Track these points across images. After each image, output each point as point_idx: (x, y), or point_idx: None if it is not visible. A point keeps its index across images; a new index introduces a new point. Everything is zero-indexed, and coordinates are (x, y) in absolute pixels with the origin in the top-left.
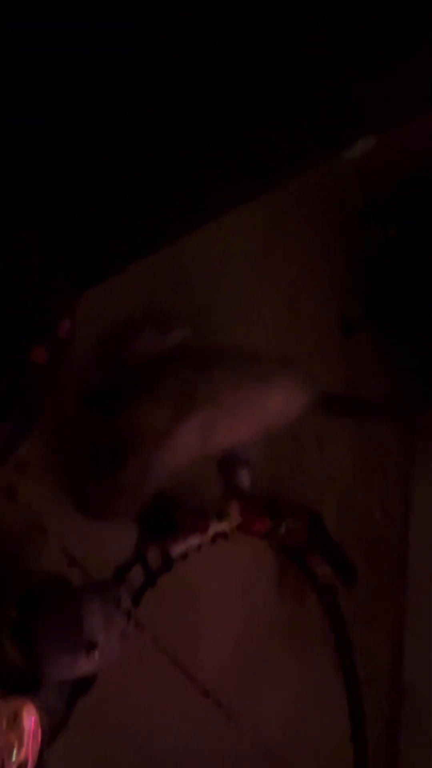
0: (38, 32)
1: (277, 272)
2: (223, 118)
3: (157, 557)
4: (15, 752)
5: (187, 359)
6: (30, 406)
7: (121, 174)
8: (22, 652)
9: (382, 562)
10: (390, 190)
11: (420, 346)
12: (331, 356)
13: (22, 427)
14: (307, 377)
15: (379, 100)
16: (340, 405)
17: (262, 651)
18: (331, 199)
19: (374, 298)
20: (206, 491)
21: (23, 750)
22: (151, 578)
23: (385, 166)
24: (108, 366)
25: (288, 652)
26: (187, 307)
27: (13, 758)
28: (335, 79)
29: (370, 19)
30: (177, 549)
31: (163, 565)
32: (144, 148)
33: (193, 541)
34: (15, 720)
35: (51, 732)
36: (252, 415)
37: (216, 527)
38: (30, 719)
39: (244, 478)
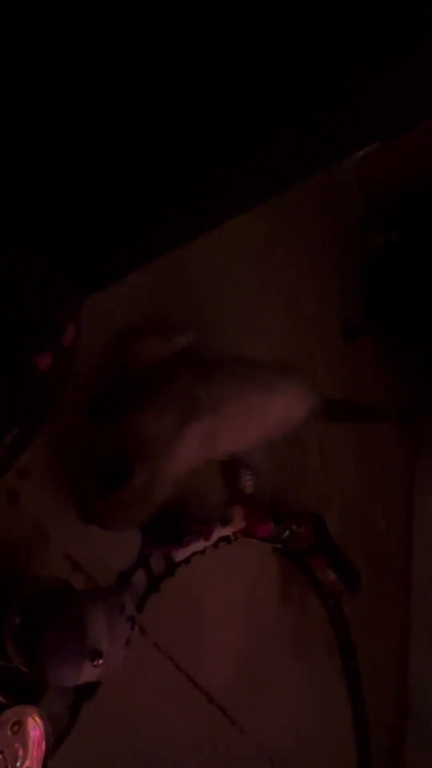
0: (38, 32)
1: (278, 277)
2: (223, 118)
3: (161, 562)
4: (19, 760)
5: (190, 366)
6: (34, 413)
7: (121, 174)
8: (26, 658)
9: (385, 570)
10: (392, 194)
11: (422, 350)
12: (332, 361)
13: (27, 433)
14: (308, 384)
15: (380, 102)
16: (340, 410)
17: (266, 656)
18: (333, 204)
19: (376, 303)
20: (210, 496)
21: (28, 758)
22: (155, 583)
23: (386, 170)
24: (111, 372)
25: (292, 658)
26: (189, 312)
27: (18, 766)
28: (335, 79)
29: (370, 19)
30: (180, 554)
31: (167, 570)
32: (144, 148)
33: (197, 546)
34: (19, 728)
35: (55, 739)
36: (254, 421)
37: (220, 532)
38: (34, 727)
39: (248, 483)
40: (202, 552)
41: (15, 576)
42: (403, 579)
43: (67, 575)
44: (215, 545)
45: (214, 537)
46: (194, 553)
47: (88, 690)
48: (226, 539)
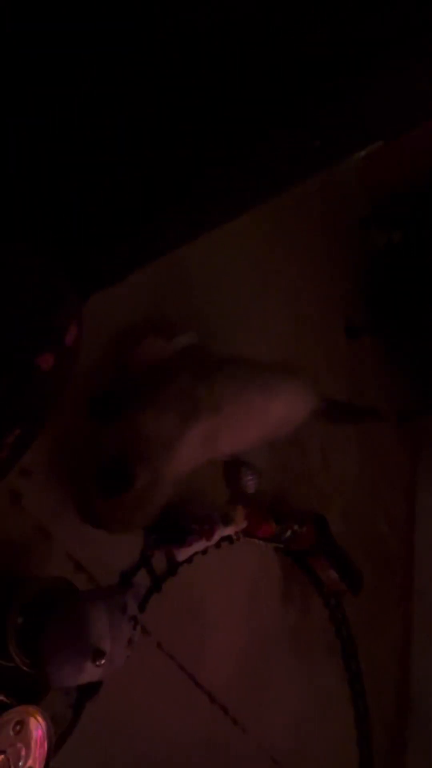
0: (38, 32)
1: (279, 277)
2: (223, 118)
3: (163, 562)
4: (22, 760)
5: (190, 366)
6: (36, 413)
7: (121, 174)
8: (28, 658)
9: (387, 571)
10: (393, 194)
11: (423, 350)
12: (334, 361)
13: (29, 433)
14: (309, 384)
15: (380, 102)
16: (340, 411)
17: (268, 656)
18: (334, 204)
19: (377, 303)
20: (212, 496)
21: (30, 758)
22: (157, 583)
23: (387, 170)
24: (111, 372)
25: (293, 658)
26: (190, 312)
27: (20, 766)
28: (335, 79)
29: (370, 19)
30: (183, 554)
31: (169, 570)
32: (144, 148)
33: (199, 545)
34: (22, 727)
35: (57, 739)
36: (255, 422)
37: (222, 532)
38: (37, 727)
39: (250, 482)
40: (204, 552)
41: (17, 576)
42: (404, 579)
43: (69, 575)
44: (217, 545)
45: (216, 537)
46: (196, 553)
47: (90, 690)
48: (228, 539)
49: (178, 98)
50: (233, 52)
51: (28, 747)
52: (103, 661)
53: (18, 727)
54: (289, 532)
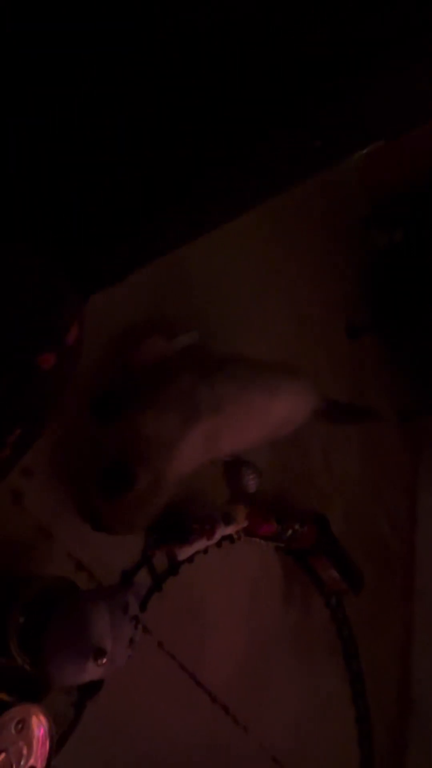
0: (38, 32)
1: (280, 277)
2: (223, 118)
3: (163, 561)
4: (24, 759)
5: (191, 366)
6: (38, 413)
7: (121, 174)
8: (30, 657)
9: (388, 570)
10: (394, 193)
11: (425, 350)
12: (335, 361)
13: (30, 433)
14: (311, 384)
15: (380, 102)
16: (339, 411)
17: (269, 655)
18: (335, 203)
19: (379, 302)
20: (213, 495)
21: (32, 757)
22: (158, 582)
23: (388, 169)
24: (113, 372)
25: (294, 657)
26: (191, 312)
27: (22, 765)
28: (335, 79)
29: (370, 19)
30: (184, 553)
31: (170, 569)
32: (144, 148)
33: (200, 544)
34: (23, 726)
35: (59, 738)
36: (256, 421)
37: (223, 531)
38: (39, 726)
39: (251, 482)
40: (205, 551)
41: (18, 575)
42: (405, 579)
43: (70, 574)
44: (218, 544)
45: (218, 536)
46: (197, 552)
47: (91, 689)
48: (229, 538)
49: (178, 98)
50: (233, 52)
51: (29, 746)
52: (104, 661)
53: (20, 726)
54: (290, 532)
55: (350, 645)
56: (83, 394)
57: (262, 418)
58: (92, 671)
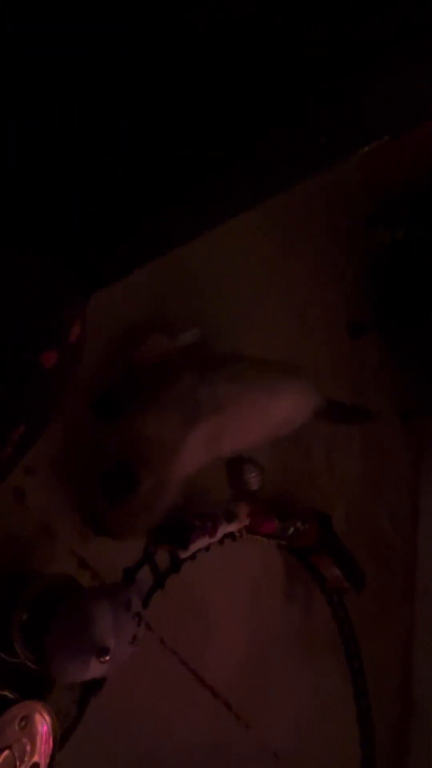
0: (38, 32)
1: (282, 275)
2: (223, 118)
3: (166, 558)
4: (27, 755)
5: (193, 365)
6: (40, 411)
7: (121, 174)
8: (33, 654)
9: (390, 570)
10: (396, 192)
11: (428, 349)
12: (337, 360)
13: (33, 431)
14: (312, 383)
15: (380, 102)
16: (337, 411)
17: (270, 653)
18: (337, 202)
19: (381, 301)
20: (215, 493)
21: (36, 753)
22: (160, 580)
23: (391, 168)
24: (115, 371)
25: (296, 655)
26: (193, 311)
27: (26, 761)
28: (335, 79)
29: (370, 19)
30: (186, 551)
31: (172, 567)
32: (144, 148)
33: (202, 542)
34: (27, 723)
35: (62, 734)
36: (258, 421)
37: (225, 529)
38: (42, 722)
39: (253, 479)
40: (207, 549)
41: (22, 573)
42: (407, 578)
43: (73, 572)
44: (220, 542)
45: (220, 534)
46: (199, 550)
47: (94, 686)
48: (231, 536)
49: (178, 98)
50: (233, 52)
51: (33, 742)
52: (107, 658)
53: (23, 723)
54: (292, 529)
55: (352, 643)
56: (86, 392)
57: (263, 418)
58: (95, 668)
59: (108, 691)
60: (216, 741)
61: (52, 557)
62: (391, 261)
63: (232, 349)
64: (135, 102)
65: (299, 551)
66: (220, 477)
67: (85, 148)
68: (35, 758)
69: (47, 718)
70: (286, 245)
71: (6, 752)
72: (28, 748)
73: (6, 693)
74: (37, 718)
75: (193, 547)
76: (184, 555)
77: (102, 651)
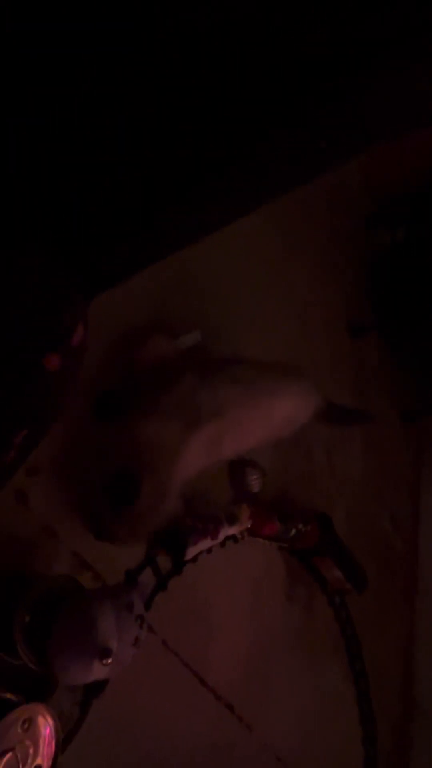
0: (38, 32)
1: (284, 276)
2: (223, 118)
3: (168, 561)
4: (30, 758)
5: (194, 367)
6: (43, 414)
7: (121, 174)
8: (36, 656)
9: (391, 570)
10: (397, 193)
11: (429, 349)
12: (338, 360)
13: (35, 434)
14: (312, 385)
15: (380, 102)
16: (337, 413)
17: (272, 654)
18: (338, 202)
19: (382, 301)
20: (216, 495)
21: (38, 755)
22: (162, 582)
23: (391, 169)
24: (117, 373)
25: (298, 657)
26: (194, 312)
27: (28, 764)
28: (335, 79)
29: (370, 19)
30: (188, 553)
31: (174, 569)
32: (144, 148)
33: (204, 544)
34: (30, 725)
35: (65, 737)
36: (259, 423)
37: (227, 531)
38: (45, 725)
39: (255, 482)
40: (209, 551)
41: (24, 574)
42: (408, 579)
43: (75, 574)
44: (222, 544)
45: (221, 536)
46: (201, 552)
47: (96, 688)
48: (233, 538)
49: (178, 98)
50: (233, 52)
51: (36, 745)
52: (109, 660)
53: (26, 725)
54: (293, 531)
55: (354, 644)
56: (88, 394)
57: (264, 421)
58: (97, 671)
59: (110, 693)
60: (218, 743)
61: (54, 559)
62: (391, 261)
63: (232, 349)
64: (135, 102)
65: (300, 553)
66: (221, 479)
67: (85, 148)
68: (38, 761)
69: (50, 720)
70: (286, 246)
71: (9, 755)
72: (31, 750)
73: (9, 695)
74: (40, 720)
75: (195, 550)
76: (186, 557)
77: (104, 653)
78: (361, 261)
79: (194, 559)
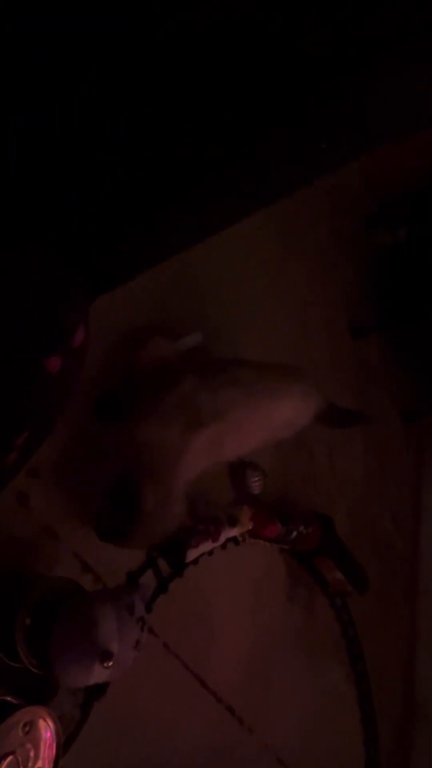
0: (38, 32)
1: (285, 277)
2: (223, 118)
3: (168, 562)
4: (31, 761)
5: (194, 369)
6: (44, 416)
7: (121, 174)
8: (37, 659)
9: (393, 571)
10: (398, 193)
11: (430, 350)
12: (339, 362)
13: (37, 436)
14: (313, 386)
15: (380, 102)
16: (339, 416)
17: (273, 656)
18: (339, 203)
19: (384, 302)
20: (217, 497)
21: (39, 759)
22: (163, 584)
23: (393, 169)
24: (118, 374)
25: (299, 658)
26: (195, 314)
27: (29, 766)
28: (335, 79)
29: (370, 19)
30: (189, 555)
31: (175, 571)
32: (144, 148)
33: (205, 546)
34: (31, 728)
35: (66, 739)
36: (259, 425)
37: (228, 533)
38: (46, 728)
39: (255, 483)
40: (210, 553)
41: (25, 576)
42: (410, 579)
43: (76, 576)
44: (223, 546)
45: (222, 538)
46: (202, 554)
47: (97, 690)
48: (234, 540)
49: (178, 98)
50: (233, 52)
51: (37, 748)
52: (110, 663)
53: (27, 728)
54: (294, 533)
55: (355, 646)
56: (89, 396)
57: (264, 423)
58: (98, 673)
59: (111, 695)
60: (219, 745)
61: (55, 560)
62: (391, 261)
63: (232, 350)
64: (135, 102)
65: (302, 554)
66: (222, 481)
67: (85, 148)
68: (39, 764)
69: (51, 723)
70: (286, 246)
71: (10, 758)
72: (32, 753)
73: (10, 698)
74: (41, 723)
75: (196, 552)
76: (187, 559)
77: (105, 655)
78: (361, 261)
79: (195, 561)
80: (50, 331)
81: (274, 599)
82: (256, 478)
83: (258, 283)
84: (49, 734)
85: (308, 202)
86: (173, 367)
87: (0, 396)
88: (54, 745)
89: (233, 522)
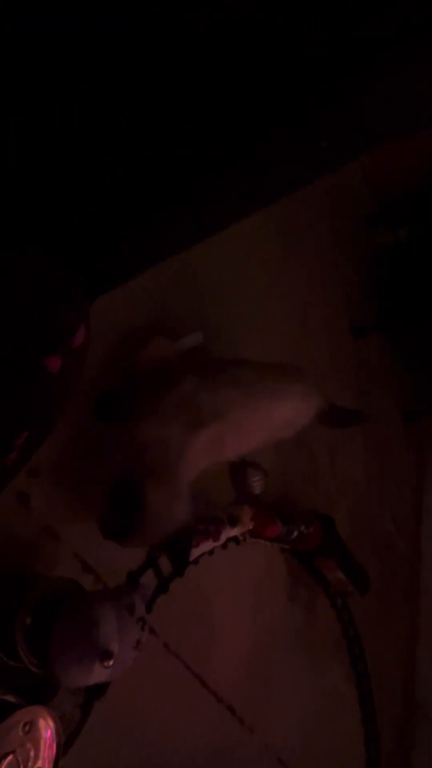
0: (38, 32)
1: (285, 277)
2: (223, 118)
3: (169, 562)
4: (31, 761)
5: (195, 369)
6: (44, 415)
7: (121, 174)
8: (37, 659)
9: (394, 571)
10: (399, 193)
11: (430, 349)
12: (340, 361)
13: (37, 436)
14: (313, 386)
15: (380, 102)
16: (339, 416)
17: (274, 656)
18: (340, 203)
19: (384, 301)
20: (218, 496)
21: (39, 758)
22: (164, 584)
23: (394, 169)
24: (117, 373)
25: (300, 658)
26: (196, 313)
27: (29, 766)
28: (335, 79)
29: (370, 19)
30: (190, 555)
31: (176, 571)
32: (144, 148)
33: (206, 546)
34: (31, 728)
35: (66, 739)
36: (260, 425)
37: (228, 533)
38: (46, 727)
39: (256, 483)
40: (211, 552)
41: (25, 576)
42: (411, 579)
43: (76, 575)
44: (224, 546)
45: (223, 537)
46: (203, 554)
47: (98, 690)
48: (234, 540)
49: (178, 98)
50: (233, 52)
51: (37, 747)
52: (111, 662)
53: (27, 728)
54: (295, 533)
55: (356, 646)
56: (89, 395)
57: (265, 423)
58: (99, 673)
59: (112, 695)
60: (220, 745)
61: (55, 560)
62: (392, 261)
63: (232, 350)
64: (135, 102)
65: (303, 554)
66: (223, 481)
67: (85, 148)
68: (39, 763)
69: (51, 722)
70: (286, 246)
71: (10, 757)
72: (32, 753)
73: (10, 698)
74: (41, 722)
75: (197, 552)
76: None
77: (106, 655)
78: (361, 261)
79: (196, 561)
80: (50, 331)
81: (275, 599)
82: (257, 478)
83: (258, 283)
84: (49, 734)
85: (308, 202)
86: (173, 367)
87: (0, 396)
88: (54, 744)
89: (234, 522)
